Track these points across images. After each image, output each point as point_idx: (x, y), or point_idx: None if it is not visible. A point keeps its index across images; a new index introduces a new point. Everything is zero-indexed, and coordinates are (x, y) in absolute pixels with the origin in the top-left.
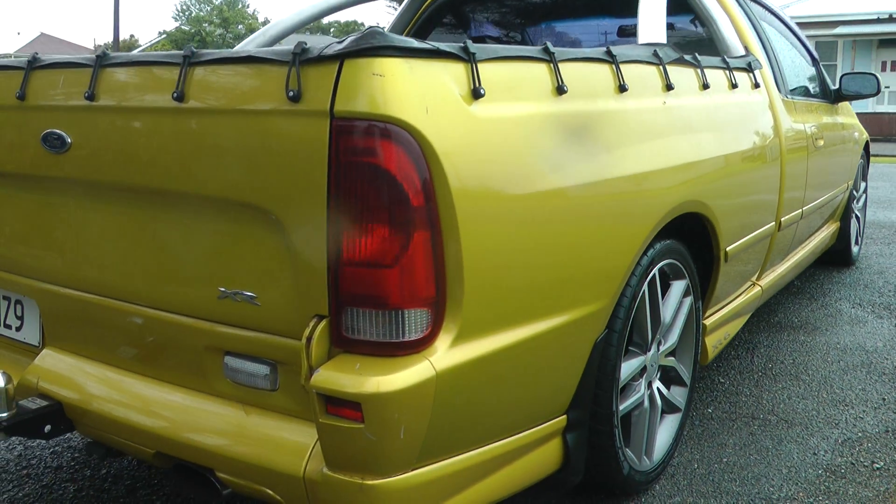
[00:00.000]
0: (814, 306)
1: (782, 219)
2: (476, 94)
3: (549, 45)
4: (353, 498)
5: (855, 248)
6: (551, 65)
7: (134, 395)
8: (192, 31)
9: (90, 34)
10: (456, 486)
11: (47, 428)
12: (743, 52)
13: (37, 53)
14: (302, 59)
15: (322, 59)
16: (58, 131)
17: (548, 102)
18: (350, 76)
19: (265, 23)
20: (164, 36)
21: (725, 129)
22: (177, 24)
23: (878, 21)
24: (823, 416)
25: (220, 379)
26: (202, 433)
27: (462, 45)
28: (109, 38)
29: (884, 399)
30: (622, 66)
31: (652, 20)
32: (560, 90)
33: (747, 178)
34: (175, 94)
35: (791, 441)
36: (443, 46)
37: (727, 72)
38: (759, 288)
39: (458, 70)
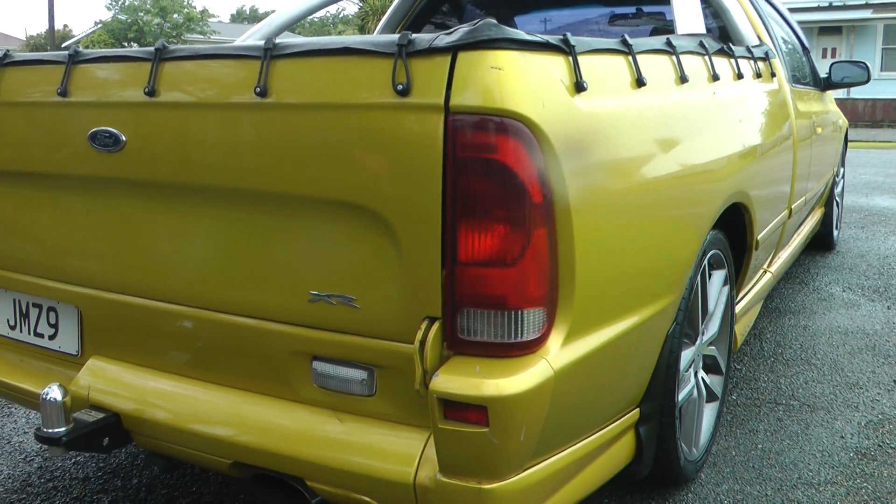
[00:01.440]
0: (807, 291)
1: (793, 205)
2: (579, 87)
3: (627, 37)
4: (469, 503)
5: (835, 233)
6: (629, 57)
7: (205, 403)
8: (129, 20)
9: (22, 24)
10: (554, 485)
11: (105, 441)
12: (758, 42)
13: (77, 47)
14: (409, 50)
15: (432, 52)
16: (110, 129)
17: (631, 94)
18: (466, 69)
19: (203, 12)
20: (100, 26)
21: (757, 119)
22: (111, 13)
23: (819, 9)
24: (842, 400)
25: (307, 385)
26: (291, 441)
27: (562, 36)
28: (42, 29)
29: (895, 381)
30: (681, 57)
31: (689, 10)
32: (640, 82)
33: (773, 166)
34: (258, 90)
35: (817, 425)
36: (549, 39)
37: (752, 62)
38: (770, 274)
39: (562, 63)
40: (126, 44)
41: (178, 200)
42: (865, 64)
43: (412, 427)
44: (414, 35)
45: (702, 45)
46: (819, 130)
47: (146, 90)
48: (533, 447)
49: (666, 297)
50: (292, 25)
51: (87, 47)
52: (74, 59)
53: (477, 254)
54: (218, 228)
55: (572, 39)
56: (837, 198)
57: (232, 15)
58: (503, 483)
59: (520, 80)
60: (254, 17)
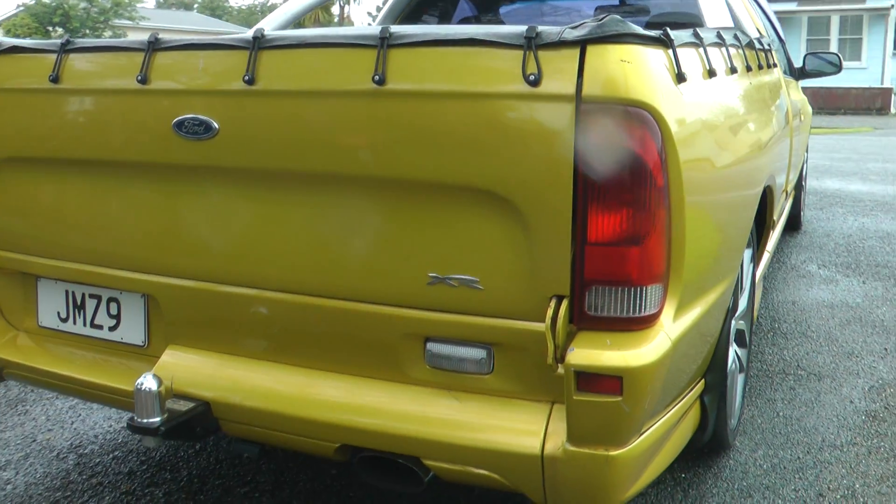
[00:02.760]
0: (786, 269)
1: (788, 188)
2: (680, 77)
3: (698, 30)
4: (596, 470)
5: (802, 214)
6: (700, 49)
7: (310, 388)
8: (54, 4)
9: None
10: (652, 453)
11: (198, 429)
12: (758, 34)
13: (157, 34)
14: (538, 43)
15: (561, 44)
16: (200, 117)
17: (706, 84)
18: (596, 61)
19: None
20: (21, 9)
21: (774, 107)
22: None
23: None
24: (843, 368)
25: (419, 366)
26: (406, 422)
27: (662, 31)
28: None
29: (885, 349)
30: (730, 50)
31: (715, 4)
32: (710, 73)
33: (782, 151)
34: (376, 78)
35: (827, 392)
36: (655, 34)
37: (763, 53)
38: (768, 253)
39: (667, 56)
40: (51, 28)
41: (280, 188)
42: (838, 55)
43: (530, 401)
44: (539, 28)
45: (736, 38)
46: (801, 117)
47: (245, 78)
48: (649, 415)
49: (733, 273)
50: (304, 16)
51: (7, 31)
52: (155, 46)
53: (606, 235)
54: (325, 215)
55: (671, 34)
56: (803, 181)
57: (158, 1)
58: (626, 450)
59: (644, 72)
60: (181, 3)
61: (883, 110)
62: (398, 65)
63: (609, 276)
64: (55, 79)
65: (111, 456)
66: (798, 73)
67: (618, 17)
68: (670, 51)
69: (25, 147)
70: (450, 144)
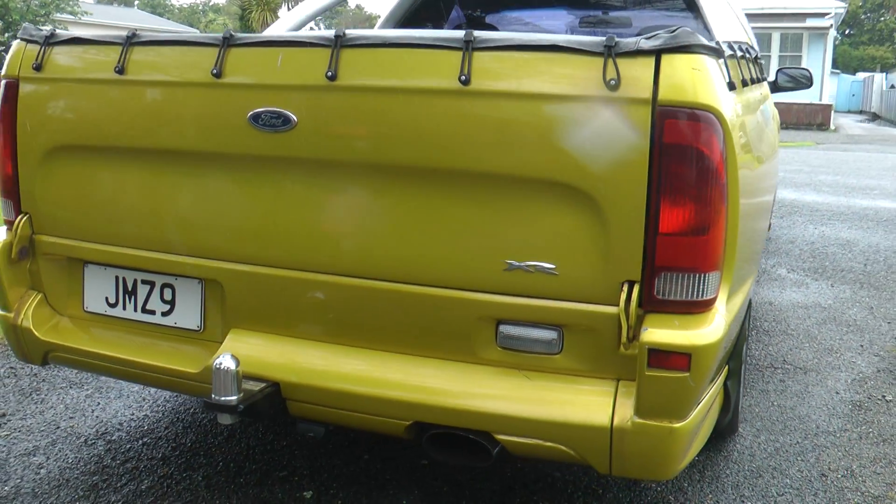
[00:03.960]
0: (758, 272)
1: (776, 194)
2: (731, 85)
3: (732, 43)
4: (661, 441)
5: (771, 220)
6: (736, 61)
7: (381, 368)
8: None
9: None
10: (699, 429)
11: (269, 408)
12: (748, 46)
13: (231, 30)
14: (617, 51)
15: (638, 53)
16: (278, 110)
17: (744, 92)
18: (670, 69)
19: None
20: None
21: (772, 116)
22: None
23: None
24: (826, 363)
25: (490, 347)
26: (479, 399)
27: (715, 43)
28: None
29: (861, 346)
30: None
31: (721, 18)
32: (743, 83)
33: (779, 157)
34: (462, 78)
35: (814, 384)
36: (713, 44)
37: (760, 65)
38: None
39: (719, 66)
40: None
41: (360, 179)
42: (808, 70)
43: (597, 378)
44: (617, 39)
45: (749, 51)
46: (779, 126)
47: (328, 74)
48: (704, 391)
49: (757, 267)
50: (317, 17)
51: None
52: (229, 41)
53: (676, 226)
54: (406, 205)
55: (722, 46)
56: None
57: None
58: (685, 422)
59: (711, 79)
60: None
61: (823, 125)
62: (483, 67)
63: (677, 264)
64: (121, 70)
65: (141, 442)
66: (771, 88)
67: (688, 28)
68: (721, 60)
69: (81, 136)
70: (532, 141)
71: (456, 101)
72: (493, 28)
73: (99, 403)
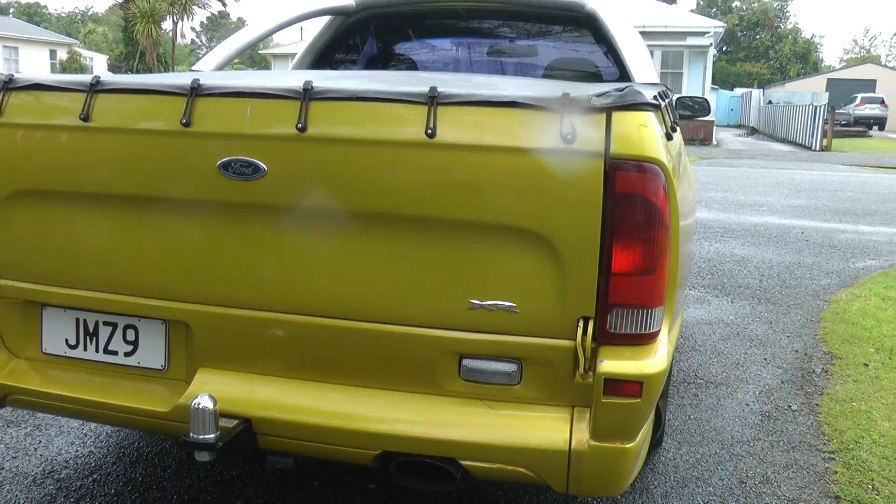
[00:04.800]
0: None
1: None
2: (668, 135)
3: (666, 91)
4: (615, 460)
5: None
6: (665, 109)
7: (349, 402)
8: None
9: None
10: (643, 446)
11: (242, 444)
12: (656, 81)
13: (199, 80)
14: (572, 109)
15: (591, 110)
16: (250, 159)
17: (672, 140)
18: (621, 125)
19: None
20: None
21: (684, 151)
22: None
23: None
24: (734, 376)
25: (453, 380)
26: (444, 427)
27: (653, 97)
28: None
29: (765, 359)
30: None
31: (640, 60)
32: (673, 128)
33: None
34: (428, 131)
35: (725, 397)
36: (655, 100)
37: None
38: None
39: (658, 118)
40: None
41: (327, 224)
42: (706, 99)
43: (553, 406)
44: (571, 95)
45: (664, 95)
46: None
47: (298, 126)
48: (651, 412)
49: (683, 293)
50: (252, 47)
51: None
52: (197, 91)
53: (627, 266)
54: (372, 250)
55: (657, 98)
56: None
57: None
58: (635, 443)
59: (655, 134)
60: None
61: (706, 140)
62: (447, 120)
63: (628, 301)
64: (86, 117)
65: (91, 479)
66: None
67: (635, 87)
68: (659, 114)
69: (43, 181)
70: (495, 190)
71: (421, 152)
72: (407, 59)
73: (41, 441)
